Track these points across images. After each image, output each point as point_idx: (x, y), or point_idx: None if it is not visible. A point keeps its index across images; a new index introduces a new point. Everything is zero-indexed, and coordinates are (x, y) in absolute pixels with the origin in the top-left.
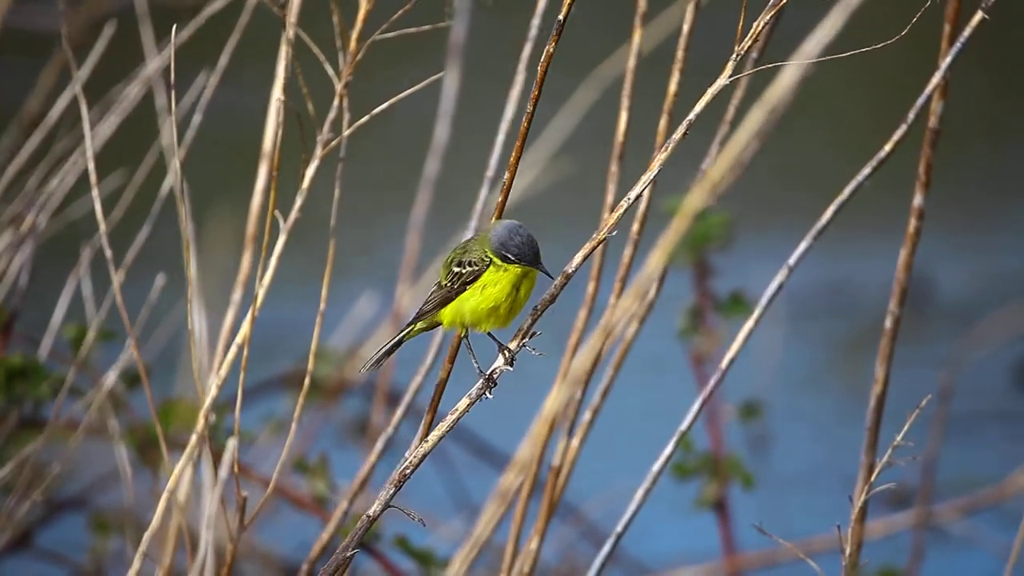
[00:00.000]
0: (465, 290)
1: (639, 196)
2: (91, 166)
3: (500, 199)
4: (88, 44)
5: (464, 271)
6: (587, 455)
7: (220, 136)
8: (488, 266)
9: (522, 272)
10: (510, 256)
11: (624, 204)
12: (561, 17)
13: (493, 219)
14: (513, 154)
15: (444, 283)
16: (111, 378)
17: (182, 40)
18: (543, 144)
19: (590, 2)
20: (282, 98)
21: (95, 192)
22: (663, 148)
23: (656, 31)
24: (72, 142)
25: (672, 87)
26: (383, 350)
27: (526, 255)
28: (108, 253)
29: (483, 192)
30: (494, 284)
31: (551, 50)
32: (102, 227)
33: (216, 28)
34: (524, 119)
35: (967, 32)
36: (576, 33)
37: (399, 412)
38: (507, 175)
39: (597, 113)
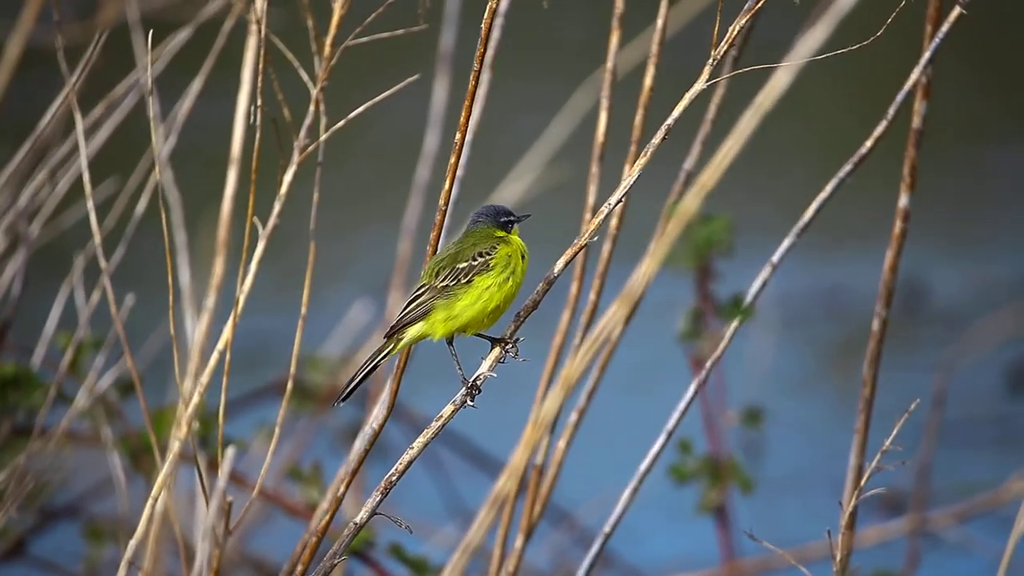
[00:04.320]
0: (472, 281)
1: (619, 201)
2: (86, 176)
3: (453, 160)
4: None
5: (479, 260)
6: (583, 462)
7: (214, 146)
8: (499, 248)
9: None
10: (502, 219)
11: (604, 210)
12: None
13: (447, 185)
14: (463, 113)
15: (440, 280)
16: (104, 386)
17: (172, 51)
18: (538, 150)
19: (585, 8)
20: (259, 103)
21: (90, 204)
22: (643, 153)
23: (648, 32)
24: (65, 151)
25: (647, 82)
26: (357, 378)
27: (508, 212)
28: (103, 263)
29: (453, 193)
30: (505, 266)
31: (494, 6)
32: (96, 238)
33: (210, 35)
34: (472, 77)
35: (945, 27)
36: (571, 40)
37: (375, 409)
38: (458, 135)
39: (592, 119)
